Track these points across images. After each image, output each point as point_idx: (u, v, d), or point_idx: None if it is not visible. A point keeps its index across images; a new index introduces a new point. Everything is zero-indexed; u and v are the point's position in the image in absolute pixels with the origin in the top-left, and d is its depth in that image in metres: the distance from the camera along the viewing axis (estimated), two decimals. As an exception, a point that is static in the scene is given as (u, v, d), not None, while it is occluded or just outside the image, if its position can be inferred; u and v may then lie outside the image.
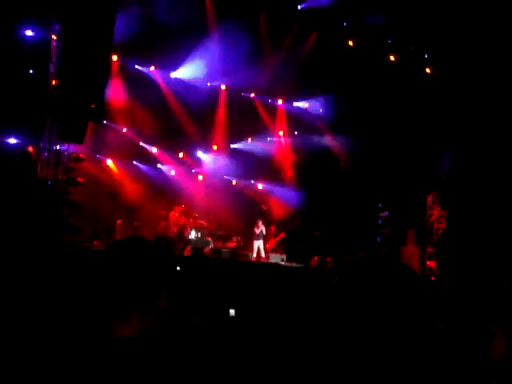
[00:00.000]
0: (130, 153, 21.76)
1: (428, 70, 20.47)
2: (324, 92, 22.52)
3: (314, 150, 23.81)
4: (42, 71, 16.02)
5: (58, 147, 16.19)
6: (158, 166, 22.84)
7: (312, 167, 23.57)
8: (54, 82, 15.52)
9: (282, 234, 20.93)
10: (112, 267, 2.14)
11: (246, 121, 23.55)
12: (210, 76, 21.63)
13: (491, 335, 3.10)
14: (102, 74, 13.90)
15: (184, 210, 20.65)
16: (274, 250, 20.39)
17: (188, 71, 21.11)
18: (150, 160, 22.49)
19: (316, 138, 24.09)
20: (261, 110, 23.89)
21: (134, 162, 22.03)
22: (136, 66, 20.86)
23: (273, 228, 21.12)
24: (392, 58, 19.62)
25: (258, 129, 24.31)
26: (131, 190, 21.69)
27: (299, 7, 17.75)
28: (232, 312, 4.50)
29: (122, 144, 21.46)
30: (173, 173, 23.03)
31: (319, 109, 24.28)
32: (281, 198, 24.20)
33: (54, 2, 14.79)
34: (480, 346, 3.20)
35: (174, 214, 20.25)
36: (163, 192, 22.41)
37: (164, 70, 21.22)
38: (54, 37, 15.67)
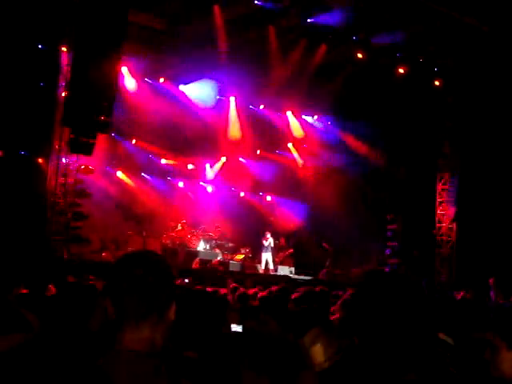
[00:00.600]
0: (138, 165, 21.82)
1: (437, 83, 20.44)
2: (332, 105, 22.53)
3: (323, 162, 23.89)
4: (52, 83, 16.13)
5: (66, 159, 16.27)
6: (168, 178, 22.87)
7: (321, 180, 23.61)
8: (63, 94, 15.60)
9: (291, 250, 20.82)
10: (122, 279, 2.16)
11: (255, 133, 23.61)
12: (219, 89, 21.75)
13: (494, 350, 3.00)
14: (111, 86, 13.97)
15: (189, 222, 20.58)
16: (282, 263, 20.34)
17: (197, 84, 21.21)
18: (159, 172, 22.52)
19: (324, 152, 24.15)
20: (270, 122, 23.91)
21: (143, 174, 22.06)
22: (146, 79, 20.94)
23: (282, 240, 21.05)
24: (401, 70, 19.59)
25: (267, 141, 24.36)
26: (140, 201, 21.75)
27: (308, 20, 17.79)
28: (238, 328, 4.43)
29: (130, 156, 21.54)
30: (181, 185, 23.04)
31: (328, 122, 24.36)
32: (289, 210, 24.18)
33: (65, 14, 14.89)
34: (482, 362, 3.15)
35: (182, 226, 20.22)
36: (172, 204, 22.45)
37: (174, 82, 21.28)
38: (64, 49, 15.77)
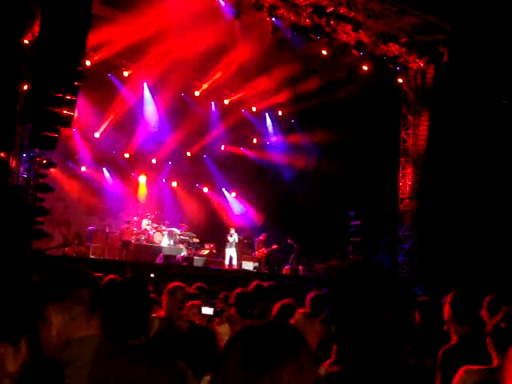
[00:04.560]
0: (101, 159, 21.61)
1: (400, 80, 20.72)
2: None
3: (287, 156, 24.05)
4: (13, 76, 15.82)
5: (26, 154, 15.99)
6: (132, 174, 22.68)
7: (285, 175, 23.77)
8: (25, 87, 15.33)
9: (275, 246, 20.72)
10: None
11: (219, 128, 23.65)
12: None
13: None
14: (75, 79, 13.78)
15: (152, 218, 20.39)
16: (246, 258, 20.33)
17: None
18: (122, 167, 22.32)
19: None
20: (233, 118, 23.93)
21: (105, 170, 21.86)
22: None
23: (263, 236, 20.89)
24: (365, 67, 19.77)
25: (234, 136, 24.40)
26: (103, 197, 21.57)
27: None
28: (209, 311, 4.46)
29: (92, 151, 21.32)
30: (143, 180, 22.88)
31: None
32: (253, 205, 24.26)
33: (27, 6, 14.63)
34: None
35: (144, 221, 20.01)
36: (135, 199, 22.33)
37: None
38: (26, 41, 15.49)
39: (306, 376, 1.44)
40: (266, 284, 7.10)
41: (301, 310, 4.26)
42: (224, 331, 4.30)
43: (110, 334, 2.35)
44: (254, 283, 6.73)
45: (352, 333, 1.98)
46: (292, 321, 3.61)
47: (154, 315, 5.43)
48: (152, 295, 6.10)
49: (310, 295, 6.07)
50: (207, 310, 4.43)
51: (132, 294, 3.14)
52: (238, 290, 5.67)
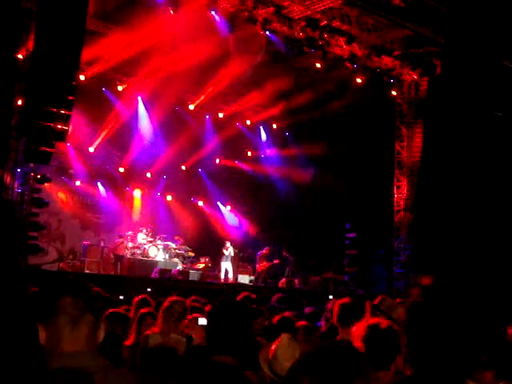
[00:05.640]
0: (96, 174, 21.59)
1: (394, 93, 20.79)
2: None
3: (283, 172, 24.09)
4: (7, 91, 15.80)
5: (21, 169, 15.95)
6: (127, 188, 22.64)
7: (280, 188, 23.79)
8: (19, 102, 15.32)
9: (277, 261, 20.62)
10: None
11: (213, 142, 23.68)
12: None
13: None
14: (70, 93, 13.77)
15: (147, 232, 20.27)
16: (241, 271, 20.27)
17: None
18: (117, 181, 22.29)
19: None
20: (228, 131, 23.96)
21: (99, 184, 21.81)
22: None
23: (266, 250, 20.77)
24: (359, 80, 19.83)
25: (228, 149, 24.44)
26: (98, 211, 21.53)
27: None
28: (203, 321, 4.47)
29: (87, 165, 21.30)
30: (137, 194, 22.86)
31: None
32: (248, 218, 24.25)
33: (21, 20, 14.65)
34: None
35: (139, 235, 19.92)
36: (130, 214, 22.29)
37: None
38: (20, 56, 15.50)
39: None
40: (254, 295, 7.10)
41: (301, 323, 4.24)
42: None
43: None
44: (243, 295, 6.74)
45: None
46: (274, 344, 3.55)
47: (148, 332, 5.42)
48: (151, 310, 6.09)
49: (308, 309, 6.08)
50: (203, 321, 4.44)
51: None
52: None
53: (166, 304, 5.42)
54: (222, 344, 3.16)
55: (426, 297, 2.11)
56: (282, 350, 3.43)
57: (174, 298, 5.49)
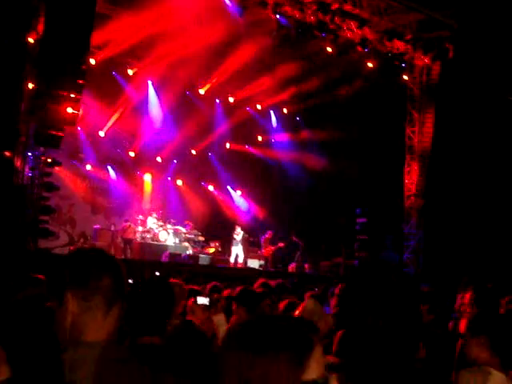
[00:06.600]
0: (106, 158, 21.64)
1: (405, 77, 20.65)
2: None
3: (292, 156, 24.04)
4: (17, 75, 15.81)
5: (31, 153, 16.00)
6: (137, 172, 22.67)
7: (290, 173, 23.77)
8: (29, 86, 15.32)
9: (281, 244, 20.62)
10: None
11: (224, 126, 23.64)
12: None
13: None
14: (80, 76, 13.77)
15: (158, 216, 20.29)
16: (252, 256, 20.28)
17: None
18: (127, 165, 22.32)
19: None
20: (238, 116, 23.90)
21: (109, 168, 21.85)
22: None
23: (269, 234, 20.78)
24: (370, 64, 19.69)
25: (239, 134, 24.39)
26: (109, 195, 21.58)
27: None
28: (204, 300, 4.49)
29: (97, 150, 21.33)
30: (148, 178, 22.90)
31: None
32: (258, 203, 24.23)
33: (31, 4, 14.62)
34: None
35: (149, 219, 19.97)
36: (141, 198, 22.34)
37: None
38: (30, 40, 15.48)
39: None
40: (273, 283, 7.08)
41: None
42: (220, 320, 4.37)
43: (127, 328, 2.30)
44: (260, 281, 6.71)
45: (362, 328, 1.95)
46: (302, 305, 3.61)
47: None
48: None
49: (308, 293, 6.07)
50: (202, 300, 4.45)
51: (154, 292, 3.25)
52: (241, 287, 5.64)
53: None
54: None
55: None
56: (308, 313, 3.49)
57: (172, 279, 5.47)
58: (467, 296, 5.98)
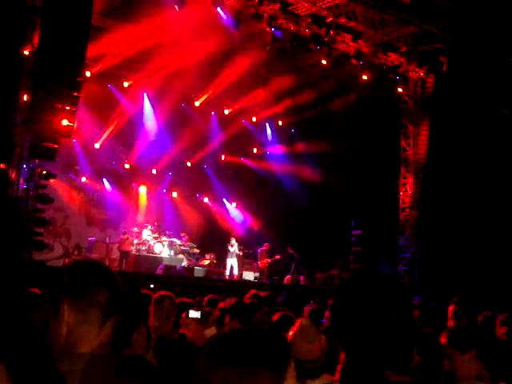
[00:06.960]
0: (101, 170, 21.62)
1: (400, 90, 20.74)
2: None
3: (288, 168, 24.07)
4: (12, 87, 15.81)
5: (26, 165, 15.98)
6: (132, 184, 22.66)
7: (286, 185, 23.77)
8: (25, 98, 15.33)
9: (278, 257, 20.58)
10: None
11: (219, 138, 23.68)
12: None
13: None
14: (74, 90, 13.78)
15: (153, 228, 20.25)
16: (246, 268, 20.24)
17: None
18: (122, 177, 22.31)
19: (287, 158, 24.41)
20: (233, 128, 23.93)
21: (104, 180, 21.84)
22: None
23: (266, 246, 20.75)
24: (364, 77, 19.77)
25: (234, 146, 24.42)
26: (104, 207, 21.55)
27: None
28: (196, 314, 4.48)
29: (93, 162, 21.33)
30: (143, 190, 22.89)
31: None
32: (253, 215, 24.22)
33: (27, 16, 14.65)
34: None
35: (144, 232, 19.92)
36: (135, 210, 22.31)
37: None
38: (25, 52, 15.50)
39: None
40: (263, 294, 7.07)
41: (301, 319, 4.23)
42: (211, 335, 4.33)
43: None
44: (251, 292, 6.71)
45: (358, 342, 1.95)
46: (294, 328, 3.61)
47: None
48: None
49: (308, 307, 6.06)
50: (194, 314, 4.45)
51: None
52: (234, 299, 5.64)
53: (155, 298, 5.36)
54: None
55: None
56: (302, 334, 3.48)
57: (162, 292, 5.43)
58: (450, 309, 6.01)
